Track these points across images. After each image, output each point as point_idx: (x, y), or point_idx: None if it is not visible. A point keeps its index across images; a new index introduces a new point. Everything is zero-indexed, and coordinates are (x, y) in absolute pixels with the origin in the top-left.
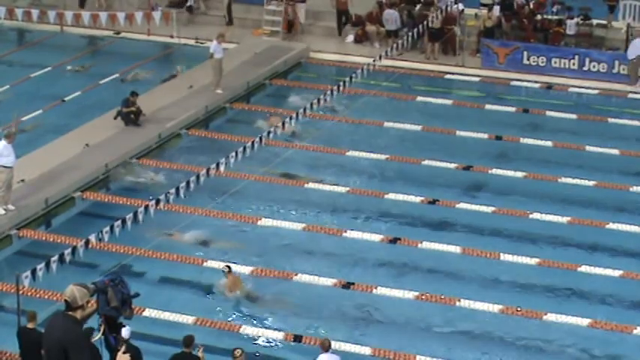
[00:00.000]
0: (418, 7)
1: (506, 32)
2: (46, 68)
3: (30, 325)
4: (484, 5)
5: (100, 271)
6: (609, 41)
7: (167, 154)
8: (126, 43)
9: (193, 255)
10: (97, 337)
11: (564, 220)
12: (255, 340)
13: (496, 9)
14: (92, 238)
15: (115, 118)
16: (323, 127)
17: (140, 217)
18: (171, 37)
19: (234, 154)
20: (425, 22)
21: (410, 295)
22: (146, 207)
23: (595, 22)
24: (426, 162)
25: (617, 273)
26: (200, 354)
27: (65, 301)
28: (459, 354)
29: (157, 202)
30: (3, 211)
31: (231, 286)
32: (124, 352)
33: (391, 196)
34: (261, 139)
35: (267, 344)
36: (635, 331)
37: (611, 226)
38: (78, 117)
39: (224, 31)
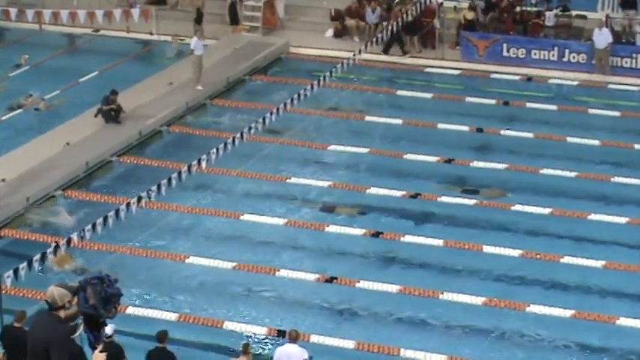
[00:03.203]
0: (396, 0)
1: (486, 25)
2: (24, 67)
3: (17, 325)
4: None
5: (82, 269)
6: (588, 32)
7: (148, 151)
8: (105, 41)
9: (176, 251)
10: (76, 334)
11: (546, 211)
12: (239, 335)
13: (480, 3)
14: (74, 236)
15: (96, 116)
16: (304, 121)
17: (122, 214)
18: (151, 34)
19: (215, 150)
20: (402, 16)
21: (393, 288)
22: (128, 204)
23: (574, 13)
24: (407, 155)
25: (599, 264)
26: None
27: (46, 301)
28: (443, 346)
29: (139, 199)
30: None
31: (59, 261)
32: (101, 351)
33: (373, 190)
34: (242, 134)
35: (251, 339)
36: (617, 322)
37: (593, 216)
38: (58, 116)
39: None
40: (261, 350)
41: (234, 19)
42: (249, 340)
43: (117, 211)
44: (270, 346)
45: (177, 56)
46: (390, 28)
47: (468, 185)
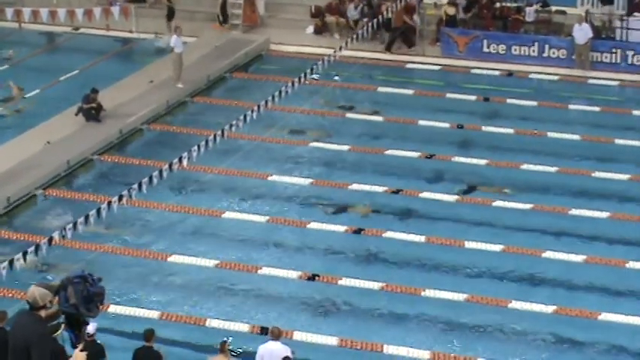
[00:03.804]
0: None
1: (466, 21)
2: (4, 66)
3: None
4: None
5: (63, 268)
6: (568, 27)
7: (129, 150)
8: (85, 39)
9: (158, 250)
10: (57, 333)
11: (527, 206)
12: (222, 332)
13: (462, 1)
14: (55, 235)
15: (76, 114)
16: (285, 119)
17: (103, 213)
18: (131, 31)
19: (196, 147)
20: (382, 13)
21: (375, 285)
22: (109, 203)
23: (554, 8)
24: (388, 152)
25: (581, 258)
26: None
27: (27, 302)
28: (426, 342)
29: (120, 197)
30: None
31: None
32: (82, 350)
33: (354, 186)
34: (223, 132)
35: (234, 336)
36: (600, 317)
37: (574, 211)
38: (38, 114)
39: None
40: (243, 348)
41: (226, 18)
42: (228, 338)
43: (98, 210)
44: (253, 344)
45: (157, 53)
46: (371, 24)
47: (449, 180)
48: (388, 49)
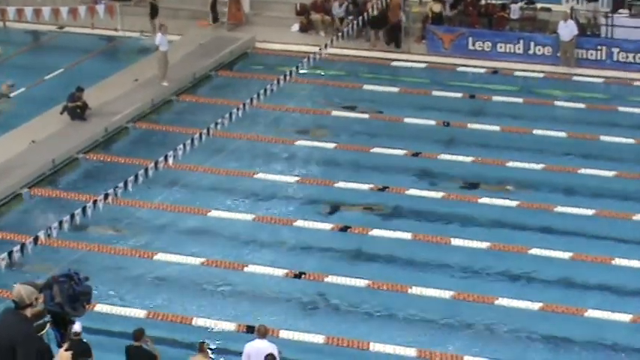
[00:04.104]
0: None
1: (451, 18)
2: None
3: None
4: None
5: (49, 267)
6: (553, 25)
7: (114, 148)
8: (70, 38)
9: (143, 249)
10: (43, 332)
11: (514, 203)
12: (208, 331)
13: None
14: (41, 234)
15: (62, 113)
16: (270, 117)
17: (89, 212)
18: (116, 30)
19: (182, 146)
20: (367, 10)
21: (362, 282)
22: (95, 202)
23: (539, 5)
24: (374, 149)
25: (567, 255)
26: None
27: (13, 300)
28: (412, 340)
29: (106, 196)
30: None
31: None
32: (67, 350)
33: (341, 184)
34: (208, 130)
35: (220, 335)
36: (586, 313)
37: (560, 208)
38: (23, 113)
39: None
40: (230, 346)
41: (216, 17)
42: (205, 340)
43: (84, 209)
44: (239, 342)
45: (143, 51)
46: (356, 22)
47: (435, 177)
48: (398, 45)
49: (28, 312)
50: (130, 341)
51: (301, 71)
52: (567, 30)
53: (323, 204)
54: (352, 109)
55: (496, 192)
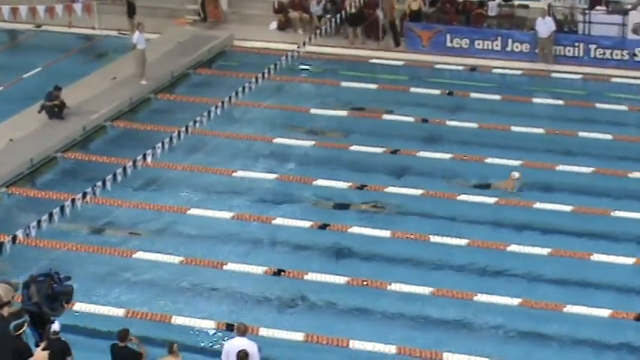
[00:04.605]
0: None
1: (429, 15)
2: None
3: None
4: None
5: (27, 267)
6: (531, 21)
7: (92, 147)
8: (47, 37)
9: (122, 247)
10: (21, 331)
11: (492, 200)
12: (188, 329)
13: None
14: (19, 233)
15: (39, 112)
16: (249, 114)
17: (67, 210)
18: (93, 28)
19: (160, 144)
20: (345, 8)
21: (341, 280)
22: (73, 201)
23: (516, 2)
24: (353, 147)
25: (545, 251)
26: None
27: None
28: (392, 337)
29: (84, 195)
30: None
31: None
32: (44, 349)
33: (320, 181)
34: (187, 128)
35: (200, 333)
36: (564, 309)
37: (539, 205)
38: (1, 112)
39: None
40: (210, 344)
41: (206, 15)
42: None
43: (62, 208)
44: (219, 340)
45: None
46: (334, 19)
47: (413, 175)
48: (398, 44)
49: (5, 311)
50: (112, 340)
51: (278, 67)
52: (545, 27)
53: (303, 201)
54: (331, 106)
55: (474, 189)
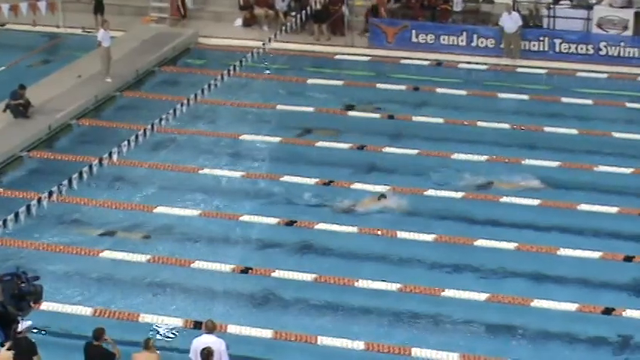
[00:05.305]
0: None
1: (394, 11)
2: None
3: None
4: None
5: None
6: (496, 17)
7: (58, 146)
8: (11, 35)
9: (89, 246)
10: None
11: (459, 195)
12: (156, 327)
13: None
14: None
15: (4, 111)
16: (214, 112)
17: (33, 210)
18: (57, 27)
19: (126, 142)
20: (310, 4)
21: (308, 277)
22: (39, 199)
23: None
24: (319, 143)
25: (512, 246)
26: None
27: None
28: (360, 333)
29: (50, 194)
30: None
31: None
32: (8, 349)
33: (286, 178)
34: (153, 126)
35: (168, 331)
36: (532, 303)
37: (505, 199)
38: None
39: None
40: (178, 342)
41: (185, 13)
42: (152, 335)
43: (28, 207)
44: (187, 338)
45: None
46: (300, 16)
47: (380, 171)
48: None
49: None
50: (80, 339)
51: (244, 64)
52: (512, 22)
53: (269, 198)
54: (297, 103)
55: (442, 184)
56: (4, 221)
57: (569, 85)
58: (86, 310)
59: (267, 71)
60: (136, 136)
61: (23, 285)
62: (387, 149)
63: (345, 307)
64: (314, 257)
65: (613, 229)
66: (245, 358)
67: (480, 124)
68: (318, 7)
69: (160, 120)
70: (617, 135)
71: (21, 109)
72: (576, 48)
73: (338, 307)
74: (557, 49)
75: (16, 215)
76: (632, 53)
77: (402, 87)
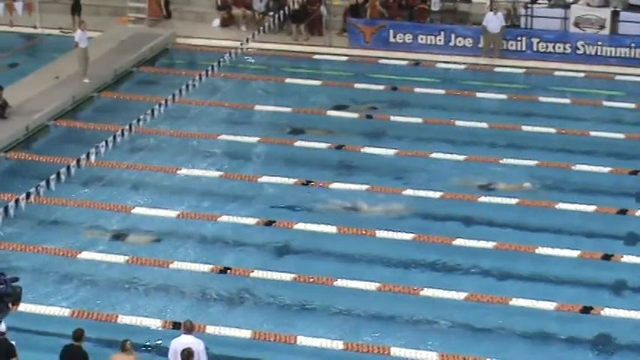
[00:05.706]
0: None
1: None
2: None
3: None
4: None
5: None
6: (474, 16)
7: (35, 146)
8: None
9: (67, 247)
10: None
11: (437, 194)
12: (134, 328)
13: None
14: None
15: None
16: (193, 112)
17: (11, 211)
18: (34, 27)
19: (104, 143)
20: (288, 4)
21: (287, 277)
22: (17, 201)
23: None
24: (298, 143)
25: (490, 245)
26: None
27: None
28: (340, 333)
29: (28, 195)
30: None
31: None
32: None
33: (265, 178)
34: (131, 127)
35: (147, 332)
36: (511, 302)
37: (484, 198)
38: None
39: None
40: (157, 343)
41: (169, 13)
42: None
43: (6, 208)
44: (165, 339)
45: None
46: (277, 16)
47: (358, 170)
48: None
49: None
50: (59, 340)
51: (222, 64)
52: (497, 21)
53: (248, 198)
54: (275, 103)
55: (420, 184)
56: None
57: (546, 84)
58: (64, 311)
59: (246, 71)
60: (114, 137)
61: (2, 286)
62: (366, 149)
63: (324, 307)
64: (293, 257)
65: (590, 228)
66: (224, 357)
67: (458, 123)
68: (296, 7)
69: (138, 120)
70: (594, 134)
71: None
72: (554, 47)
73: (317, 307)
74: (534, 49)
75: None
76: (610, 52)
77: (381, 87)
